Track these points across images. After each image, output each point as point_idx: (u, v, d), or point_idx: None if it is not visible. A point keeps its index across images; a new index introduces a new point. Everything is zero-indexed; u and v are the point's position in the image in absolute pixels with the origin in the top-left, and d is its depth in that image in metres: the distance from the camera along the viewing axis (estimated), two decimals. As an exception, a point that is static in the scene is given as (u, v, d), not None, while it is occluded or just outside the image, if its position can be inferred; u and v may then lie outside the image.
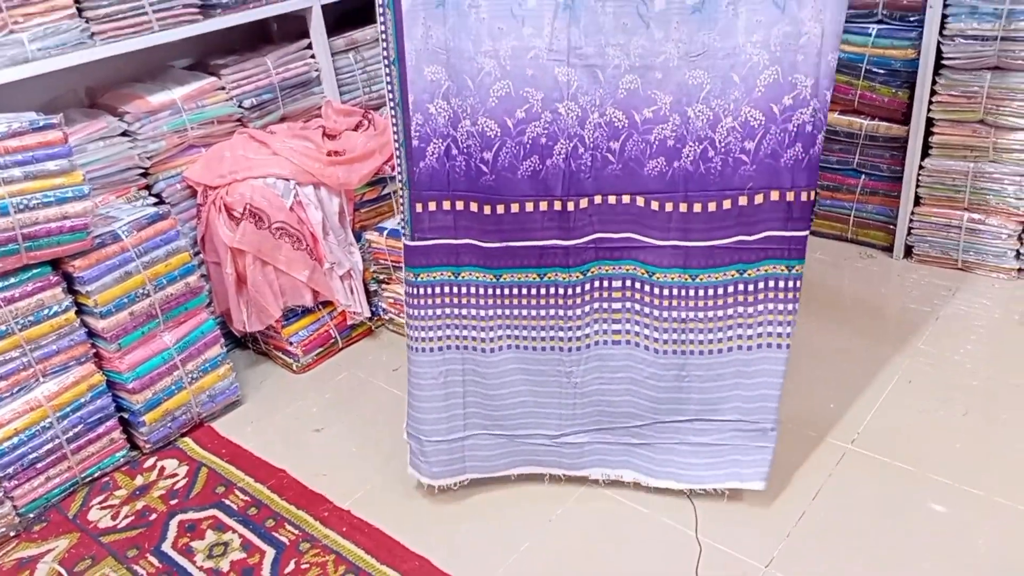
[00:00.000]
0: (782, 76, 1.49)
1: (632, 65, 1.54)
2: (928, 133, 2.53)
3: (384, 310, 2.57)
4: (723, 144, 1.55)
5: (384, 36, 1.60)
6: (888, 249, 2.75)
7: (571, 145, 1.60)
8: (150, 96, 2.29)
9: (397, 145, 1.68)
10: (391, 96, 1.64)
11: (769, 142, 1.53)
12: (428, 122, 1.63)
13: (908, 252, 2.71)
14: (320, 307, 2.46)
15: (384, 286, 2.55)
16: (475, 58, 1.57)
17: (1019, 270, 2.52)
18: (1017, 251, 2.50)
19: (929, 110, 2.48)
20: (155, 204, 2.25)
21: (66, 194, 1.85)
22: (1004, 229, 2.48)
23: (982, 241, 2.53)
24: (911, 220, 2.65)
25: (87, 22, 2.10)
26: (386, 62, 1.63)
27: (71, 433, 1.99)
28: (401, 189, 1.71)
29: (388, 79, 1.64)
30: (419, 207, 1.70)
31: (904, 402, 2.07)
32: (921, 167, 2.57)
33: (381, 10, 1.59)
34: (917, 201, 2.63)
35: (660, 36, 1.51)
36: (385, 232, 2.49)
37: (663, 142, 1.58)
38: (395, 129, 1.67)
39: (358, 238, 2.53)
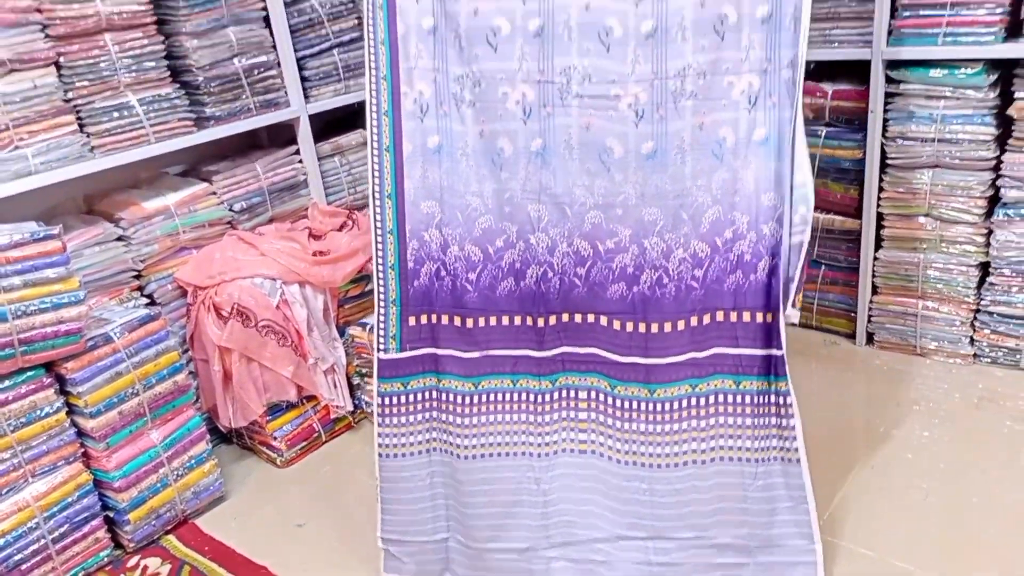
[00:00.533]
0: (723, 214, 1.73)
1: (596, 203, 1.78)
2: (879, 226, 2.69)
3: (367, 403, 2.64)
4: (676, 272, 1.76)
5: (378, 174, 1.85)
6: (851, 336, 2.88)
7: (541, 270, 1.83)
8: (145, 202, 2.41)
9: (383, 267, 1.85)
10: (381, 224, 1.87)
11: (715, 270, 1.75)
12: (423, 247, 1.87)
13: (870, 339, 2.83)
14: (304, 401, 2.53)
15: (367, 379, 2.62)
16: (464, 196, 1.84)
17: (974, 355, 2.64)
18: (971, 337, 2.63)
19: (878, 205, 2.65)
20: (147, 305, 2.35)
21: (62, 299, 1.94)
22: (956, 316, 2.61)
23: (937, 328, 2.66)
24: (870, 308, 2.78)
25: (88, 137, 2.25)
26: (378, 195, 1.86)
27: (57, 533, 2.02)
28: (384, 306, 1.86)
29: (378, 211, 1.87)
30: (412, 320, 1.89)
31: (869, 487, 2.15)
32: (875, 258, 2.72)
33: (378, 152, 1.84)
34: (875, 290, 2.77)
35: (620, 179, 1.76)
36: (368, 327, 2.58)
37: (623, 269, 1.79)
38: (380, 254, 1.85)
39: (342, 333, 2.63)
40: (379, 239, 1.87)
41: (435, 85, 1.81)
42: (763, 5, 1.62)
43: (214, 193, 2.56)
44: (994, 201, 2.49)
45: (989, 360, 2.62)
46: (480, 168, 1.82)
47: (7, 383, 1.93)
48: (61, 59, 2.17)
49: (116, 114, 2.28)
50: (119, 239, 2.37)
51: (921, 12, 2.37)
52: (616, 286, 1.78)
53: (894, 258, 2.68)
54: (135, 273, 2.41)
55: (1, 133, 2.09)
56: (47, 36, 2.13)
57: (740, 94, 1.67)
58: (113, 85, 2.27)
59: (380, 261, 1.88)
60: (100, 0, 2.19)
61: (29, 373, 1.96)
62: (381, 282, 1.89)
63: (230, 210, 2.58)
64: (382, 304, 1.89)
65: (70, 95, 2.20)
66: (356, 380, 2.64)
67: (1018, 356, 2.56)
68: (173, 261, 2.48)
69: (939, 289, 2.63)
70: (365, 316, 2.67)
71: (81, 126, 2.24)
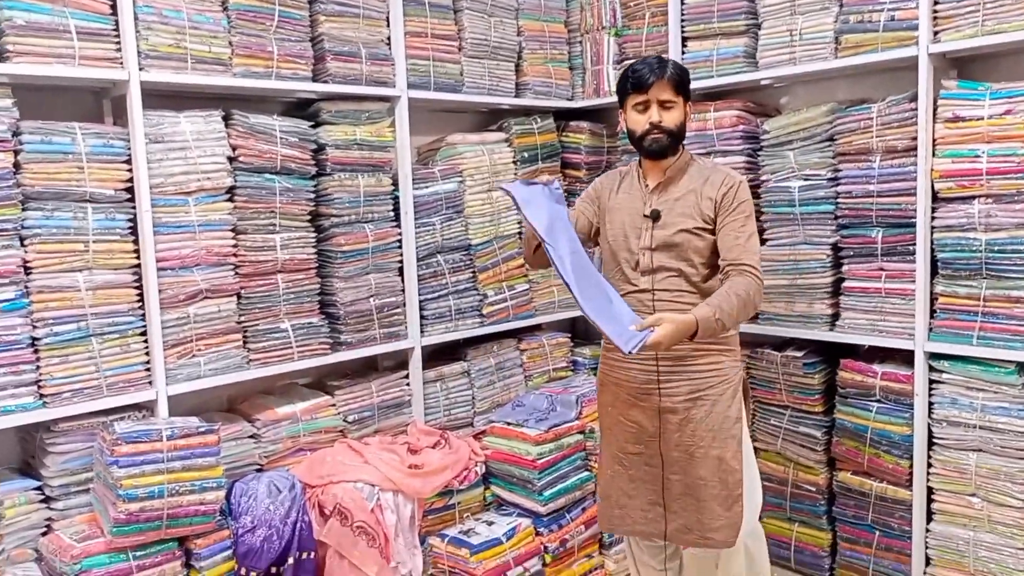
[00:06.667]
0: None
1: None
2: (930, 499, 2.86)
3: (435, 611, 2.86)
4: None
5: None
6: (906, 604, 2.94)
7: None
8: (278, 408, 2.88)
9: None
10: None
11: None
12: None
13: (925, 609, 2.89)
14: (381, 602, 2.77)
15: (439, 588, 2.87)
16: None
17: (1031, 641, 2.67)
18: (1025, 622, 2.67)
19: (928, 479, 2.84)
20: (263, 495, 2.72)
21: (208, 484, 2.35)
22: (1009, 598, 2.68)
23: (991, 607, 2.72)
24: (924, 579, 2.87)
25: (248, 351, 2.78)
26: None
27: None
28: None
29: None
30: None
31: None
32: (927, 530, 2.86)
33: None
34: (928, 561, 2.87)
35: None
36: (446, 539, 2.87)
37: None
38: None
39: (422, 541, 2.91)
40: None
41: None
42: None
43: (333, 405, 3.01)
44: (1038, 489, 2.66)
45: (1045, 648, 2.64)
46: None
47: (147, 551, 2.29)
48: (242, 291, 2.76)
49: (273, 335, 2.82)
50: (251, 436, 2.81)
51: (957, 316, 2.73)
52: None
53: (945, 532, 2.81)
54: (258, 467, 2.82)
55: (186, 345, 2.65)
56: (236, 273, 2.74)
57: None
58: (275, 312, 2.84)
59: None
60: (280, 249, 2.82)
61: (165, 545, 2.33)
62: None
63: (344, 420, 3.02)
64: None
65: (242, 318, 2.77)
66: (429, 588, 2.88)
67: (1075, 649, 2.58)
68: (290, 459, 2.89)
69: (990, 568, 2.72)
70: (445, 528, 2.96)
71: (244, 342, 2.78)
